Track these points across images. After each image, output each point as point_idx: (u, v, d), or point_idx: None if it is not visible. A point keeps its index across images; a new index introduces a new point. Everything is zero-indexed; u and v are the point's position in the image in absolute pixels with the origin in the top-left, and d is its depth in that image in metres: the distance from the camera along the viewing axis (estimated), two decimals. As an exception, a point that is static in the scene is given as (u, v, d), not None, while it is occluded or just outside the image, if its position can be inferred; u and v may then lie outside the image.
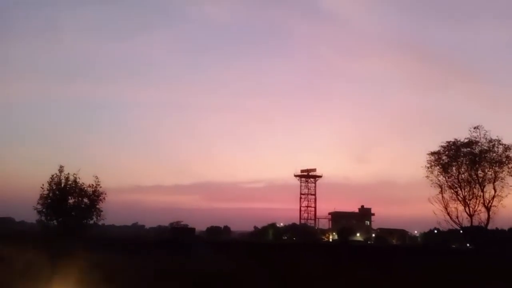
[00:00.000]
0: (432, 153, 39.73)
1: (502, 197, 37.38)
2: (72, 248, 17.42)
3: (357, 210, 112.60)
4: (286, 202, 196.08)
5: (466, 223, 38.21)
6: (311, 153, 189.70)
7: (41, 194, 20.56)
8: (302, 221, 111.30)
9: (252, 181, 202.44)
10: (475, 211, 37.81)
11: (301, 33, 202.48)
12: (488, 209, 37.41)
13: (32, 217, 20.80)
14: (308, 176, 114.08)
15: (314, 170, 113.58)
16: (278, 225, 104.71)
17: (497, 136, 38.06)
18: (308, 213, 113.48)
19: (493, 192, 37.62)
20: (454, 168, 39.00)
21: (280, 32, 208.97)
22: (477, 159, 38.08)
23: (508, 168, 37.39)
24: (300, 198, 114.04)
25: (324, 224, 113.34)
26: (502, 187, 37.52)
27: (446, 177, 39.07)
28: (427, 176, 39.15)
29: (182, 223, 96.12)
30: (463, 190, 38.45)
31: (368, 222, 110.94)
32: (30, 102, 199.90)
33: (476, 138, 38.22)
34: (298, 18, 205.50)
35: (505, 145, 37.82)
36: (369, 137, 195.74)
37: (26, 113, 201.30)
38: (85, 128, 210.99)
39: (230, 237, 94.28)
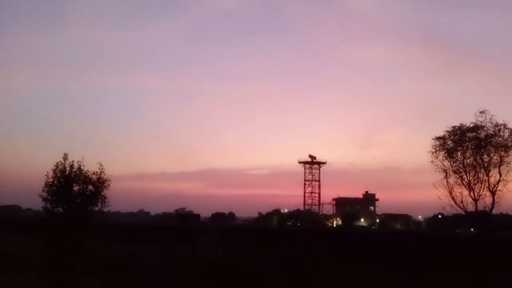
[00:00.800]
0: (437, 138, 39.50)
1: (508, 181, 37.22)
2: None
3: (361, 196, 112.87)
4: (291, 188, 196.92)
5: (470, 207, 38.16)
6: (315, 139, 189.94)
7: (46, 182, 20.61)
8: (307, 207, 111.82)
9: (256, 167, 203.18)
10: (480, 195, 37.71)
11: (306, 20, 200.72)
12: (493, 193, 37.30)
13: (38, 204, 20.93)
14: (312, 162, 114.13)
15: (316, 158, 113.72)
16: (282, 211, 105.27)
17: (503, 120, 37.69)
18: (312, 199, 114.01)
19: (498, 176, 37.46)
20: (459, 153, 38.77)
21: (285, 18, 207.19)
22: (482, 143, 37.82)
23: (514, 152, 37.13)
24: (304, 184, 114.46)
25: (328, 210, 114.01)
26: (508, 171, 37.33)
27: (451, 162, 38.88)
28: (432, 161, 38.98)
29: (187, 209, 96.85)
30: (468, 175, 38.30)
31: (372, 208, 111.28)
32: (36, 91, 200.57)
33: (482, 122, 37.89)
34: (303, 4, 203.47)
35: (511, 129, 37.50)
36: (373, 123, 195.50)
37: (31, 102, 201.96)
38: (90, 116, 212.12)
39: (235, 223, 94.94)
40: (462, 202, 38.02)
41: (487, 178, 37.70)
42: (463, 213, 39.07)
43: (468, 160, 38.44)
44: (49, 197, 20.40)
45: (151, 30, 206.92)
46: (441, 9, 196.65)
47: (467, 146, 38.53)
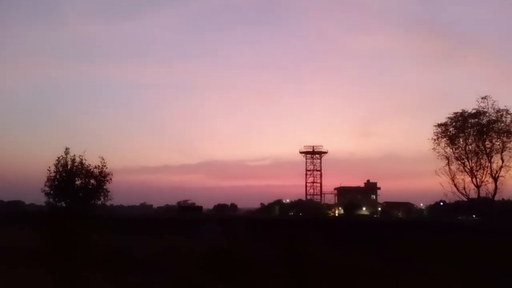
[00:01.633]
0: (439, 125, 39.43)
1: (510, 167, 37.28)
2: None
3: (363, 185, 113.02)
4: (292, 178, 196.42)
5: (473, 194, 38.21)
6: (316, 129, 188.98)
7: (48, 177, 20.53)
8: (308, 197, 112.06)
9: (257, 158, 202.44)
10: (482, 182, 37.76)
11: (304, 9, 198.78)
12: (495, 179, 37.35)
13: (40, 199, 20.86)
14: (313, 152, 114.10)
15: (321, 146, 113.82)
16: (284, 201, 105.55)
17: (505, 106, 37.63)
18: (314, 189, 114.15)
19: (500, 162, 37.53)
20: (461, 140, 38.76)
21: (283, 8, 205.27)
22: (484, 129, 37.75)
23: (516, 138, 37.10)
24: (306, 174, 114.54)
25: (330, 199, 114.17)
26: (510, 157, 37.40)
27: (453, 149, 38.90)
28: (434, 148, 39.00)
29: (189, 201, 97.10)
30: (470, 161, 38.32)
31: (374, 196, 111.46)
32: (35, 85, 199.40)
33: (484, 108, 37.82)
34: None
35: (513, 114, 37.41)
36: (374, 112, 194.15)
37: (31, 96, 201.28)
38: (90, 110, 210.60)
39: (237, 214, 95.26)
40: (464, 188, 38.11)
41: (489, 164, 37.74)
42: (465, 199, 39.14)
43: (470, 147, 38.44)
44: (51, 192, 20.36)
45: (150, 22, 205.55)
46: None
47: (469, 133, 38.47)
